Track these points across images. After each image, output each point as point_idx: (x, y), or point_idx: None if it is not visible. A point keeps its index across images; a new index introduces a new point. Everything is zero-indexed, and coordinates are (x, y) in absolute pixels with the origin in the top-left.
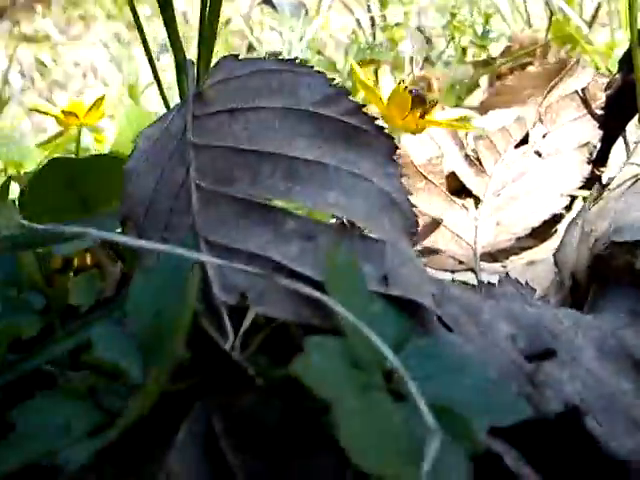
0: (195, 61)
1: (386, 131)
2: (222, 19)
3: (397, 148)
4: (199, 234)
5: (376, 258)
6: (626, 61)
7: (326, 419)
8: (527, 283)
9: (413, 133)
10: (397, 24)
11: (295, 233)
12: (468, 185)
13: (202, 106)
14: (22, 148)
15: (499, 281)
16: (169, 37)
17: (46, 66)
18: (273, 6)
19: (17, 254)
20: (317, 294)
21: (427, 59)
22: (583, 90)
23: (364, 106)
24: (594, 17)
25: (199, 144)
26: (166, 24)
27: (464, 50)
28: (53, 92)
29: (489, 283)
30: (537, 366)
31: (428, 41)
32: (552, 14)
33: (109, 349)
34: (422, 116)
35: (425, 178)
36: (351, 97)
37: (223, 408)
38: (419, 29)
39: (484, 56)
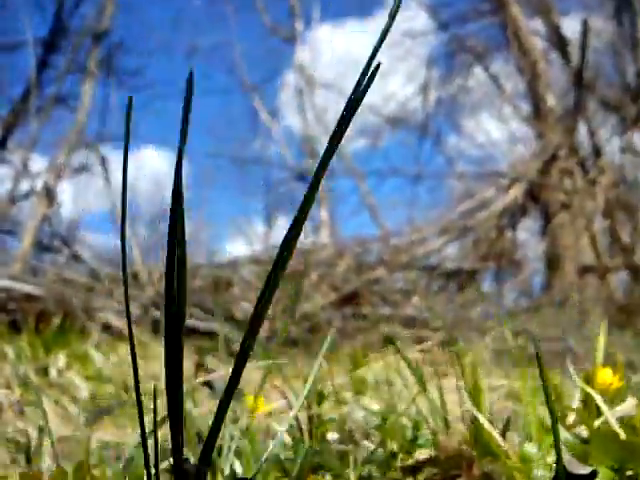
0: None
1: None
2: None
3: None
4: None
5: None
6: None
7: None
8: None
9: None
10: (331, 419)
11: None
12: None
13: None
14: None
15: None
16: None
17: None
18: (211, 388)
19: None
20: None
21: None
22: None
23: None
24: (505, 428)
25: None
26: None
27: (394, 455)
28: None
29: None
30: None
31: (356, 443)
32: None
33: None
34: None
35: None
36: None
37: None
38: (349, 431)
39: (411, 460)
